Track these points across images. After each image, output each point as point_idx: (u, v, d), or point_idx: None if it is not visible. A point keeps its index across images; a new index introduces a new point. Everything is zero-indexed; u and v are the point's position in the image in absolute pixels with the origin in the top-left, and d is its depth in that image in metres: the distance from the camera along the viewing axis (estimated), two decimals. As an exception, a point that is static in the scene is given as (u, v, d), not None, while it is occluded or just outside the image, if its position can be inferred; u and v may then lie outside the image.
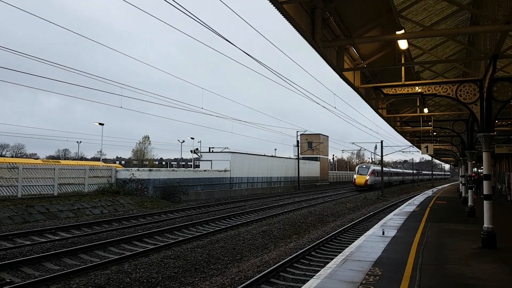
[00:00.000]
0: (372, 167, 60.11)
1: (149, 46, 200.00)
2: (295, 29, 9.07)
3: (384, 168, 65.45)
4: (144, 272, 10.94)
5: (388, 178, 70.54)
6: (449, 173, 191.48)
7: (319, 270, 9.02)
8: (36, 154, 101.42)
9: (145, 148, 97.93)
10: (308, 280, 7.96)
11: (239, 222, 21.00)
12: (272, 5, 7.83)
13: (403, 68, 13.72)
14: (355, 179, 58.45)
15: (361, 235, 13.91)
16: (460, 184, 31.45)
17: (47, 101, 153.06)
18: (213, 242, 15.24)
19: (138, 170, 33.84)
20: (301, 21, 9.17)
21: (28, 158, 74.36)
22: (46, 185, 26.25)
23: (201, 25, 9.40)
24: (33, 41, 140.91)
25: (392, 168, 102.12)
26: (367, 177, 56.78)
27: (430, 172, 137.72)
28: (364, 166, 61.58)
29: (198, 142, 54.08)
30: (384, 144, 50.44)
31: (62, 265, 12.05)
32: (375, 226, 15.86)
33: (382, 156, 50.99)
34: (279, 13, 8.17)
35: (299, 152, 64.09)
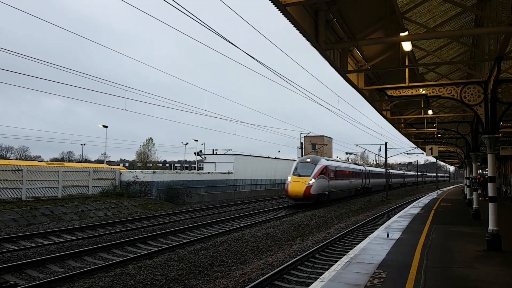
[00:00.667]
0: (325, 162, 34.38)
1: (150, 47, 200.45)
2: (298, 32, 9.07)
3: (353, 166, 48.05)
4: (148, 275, 10.95)
5: (363, 181, 49.62)
6: (448, 175, 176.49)
7: (323, 273, 9.01)
8: (40, 156, 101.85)
9: (149, 150, 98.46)
10: (313, 283, 7.95)
11: (243, 224, 20.98)
12: (276, 7, 7.84)
13: (407, 70, 13.70)
14: (287, 184, 32.25)
15: (366, 238, 13.88)
16: (465, 186, 31.32)
17: (50, 104, 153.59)
18: (217, 245, 15.23)
19: (142, 172, 33.88)
20: (304, 23, 9.17)
21: (33, 160, 74.64)
22: (50, 188, 26.32)
23: (203, 27, 9.41)
24: (34, 43, 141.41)
25: (372, 166, 70.18)
26: (311, 181, 31.27)
27: (423, 173, 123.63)
28: (307, 161, 33.90)
29: (202, 144, 54.05)
30: (388, 146, 50.35)
31: (67, 267, 12.07)
32: (379, 229, 15.82)
33: (386, 158, 50.91)
34: (283, 15, 8.18)
35: (303, 154, 64.02)
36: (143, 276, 10.82)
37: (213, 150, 57.14)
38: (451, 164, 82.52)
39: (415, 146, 45.75)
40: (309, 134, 66.84)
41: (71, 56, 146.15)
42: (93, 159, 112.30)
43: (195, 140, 66.60)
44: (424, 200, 34.16)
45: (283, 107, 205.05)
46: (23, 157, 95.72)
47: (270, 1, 7.51)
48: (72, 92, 50.41)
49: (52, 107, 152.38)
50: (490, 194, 11.39)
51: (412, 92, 12.85)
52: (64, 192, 27.07)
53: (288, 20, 8.45)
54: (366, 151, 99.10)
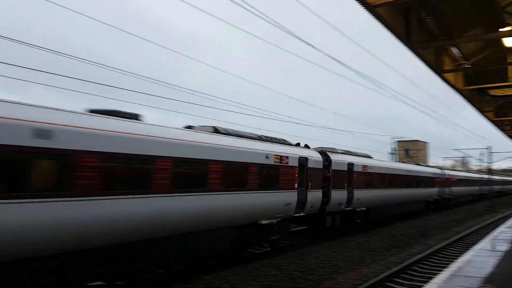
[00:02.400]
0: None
1: (234, 56, 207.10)
2: (389, 31, 8.78)
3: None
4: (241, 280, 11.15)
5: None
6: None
7: (422, 286, 8.51)
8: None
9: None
10: (411, 295, 7.54)
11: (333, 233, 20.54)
12: (364, 8, 7.66)
13: (510, 67, 12.62)
14: None
15: (469, 249, 12.89)
16: None
17: (148, 114, 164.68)
18: (306, 253, 15.09)
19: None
20: (394, 23, 8.88)
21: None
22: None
23: (286, 33, 9.43)
24: (130, 59, 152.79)
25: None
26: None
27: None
28: None
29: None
30: (492, 150, 46.48)
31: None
32: (484, 240, 14.60)
33: (491, 163, 47.10)
34: (372, 16, 7.97)
35: (397, 161, 61.46)
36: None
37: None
38: None
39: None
40: (401, 139, 64.10)
41: (163, 69, 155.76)
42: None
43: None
44: (536, 210, 30.97)
45: (370, 111, 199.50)
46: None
47: (358, 3, 7.36)
48: (166, 103, 53.61)
49: (150, 118, 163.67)
50: None
51: (518, 91, 11.79)
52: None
53: (377, 20, 8.22)
54: (466, 156, 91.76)
